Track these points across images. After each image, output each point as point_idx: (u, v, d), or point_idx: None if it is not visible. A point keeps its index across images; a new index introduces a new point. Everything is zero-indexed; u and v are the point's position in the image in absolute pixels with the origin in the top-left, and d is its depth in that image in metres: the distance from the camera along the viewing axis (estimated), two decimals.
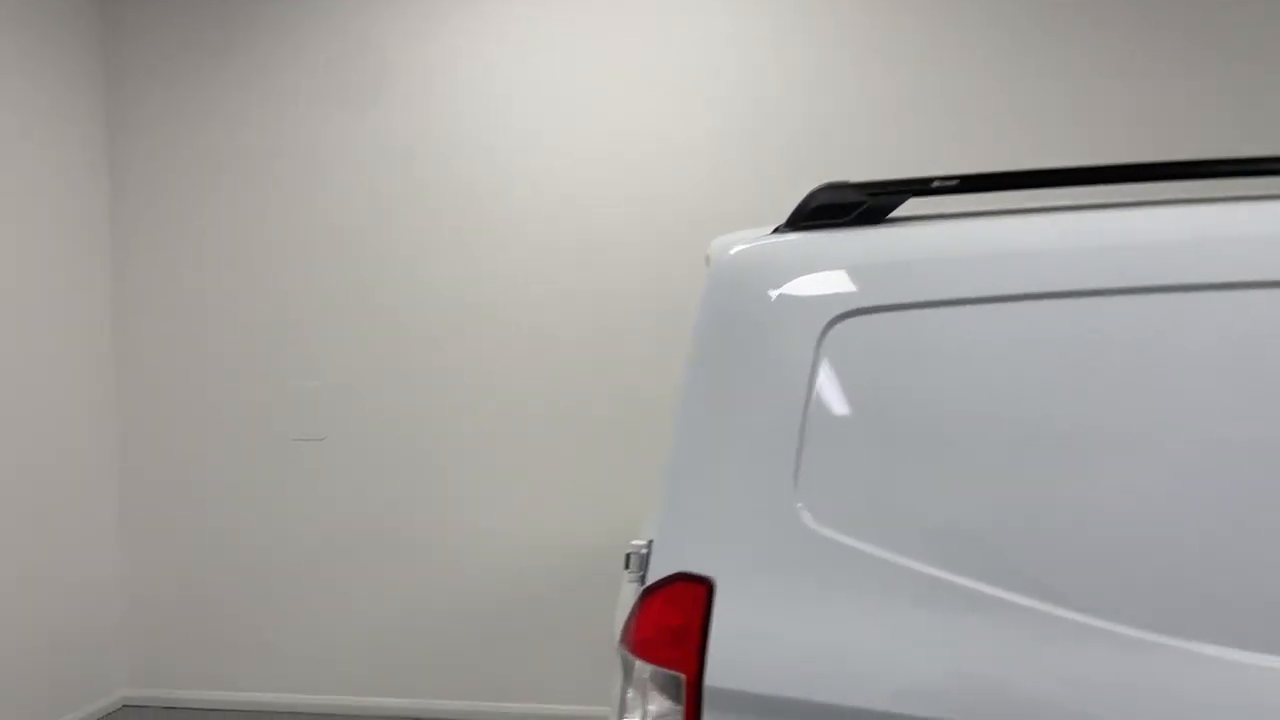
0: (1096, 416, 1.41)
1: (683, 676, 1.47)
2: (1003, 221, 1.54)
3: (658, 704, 1.49)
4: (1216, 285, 1.39)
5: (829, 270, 1.53)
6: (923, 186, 1.55)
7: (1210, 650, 1.31)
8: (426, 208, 4.10)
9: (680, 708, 1.47)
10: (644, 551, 1.56)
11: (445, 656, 4.13)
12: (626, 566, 1.69)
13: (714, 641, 1.46)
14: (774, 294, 1.54)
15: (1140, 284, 1.43)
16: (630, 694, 1.53)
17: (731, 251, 1.59)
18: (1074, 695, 1.34)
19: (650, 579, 1.53)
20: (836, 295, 1.51)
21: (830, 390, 1.50)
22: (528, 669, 4.09)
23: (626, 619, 1.56)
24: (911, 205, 1.57)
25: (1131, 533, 1.37)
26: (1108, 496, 1.39)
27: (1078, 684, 1.34)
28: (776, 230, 1.61)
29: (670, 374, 3.92)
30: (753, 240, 1.60)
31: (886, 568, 1.44)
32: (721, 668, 1.46)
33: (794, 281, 1.54)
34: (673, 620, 1.50)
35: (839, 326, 1.51)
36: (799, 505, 1.47)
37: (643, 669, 1.51)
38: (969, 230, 1.54)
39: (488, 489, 4.12)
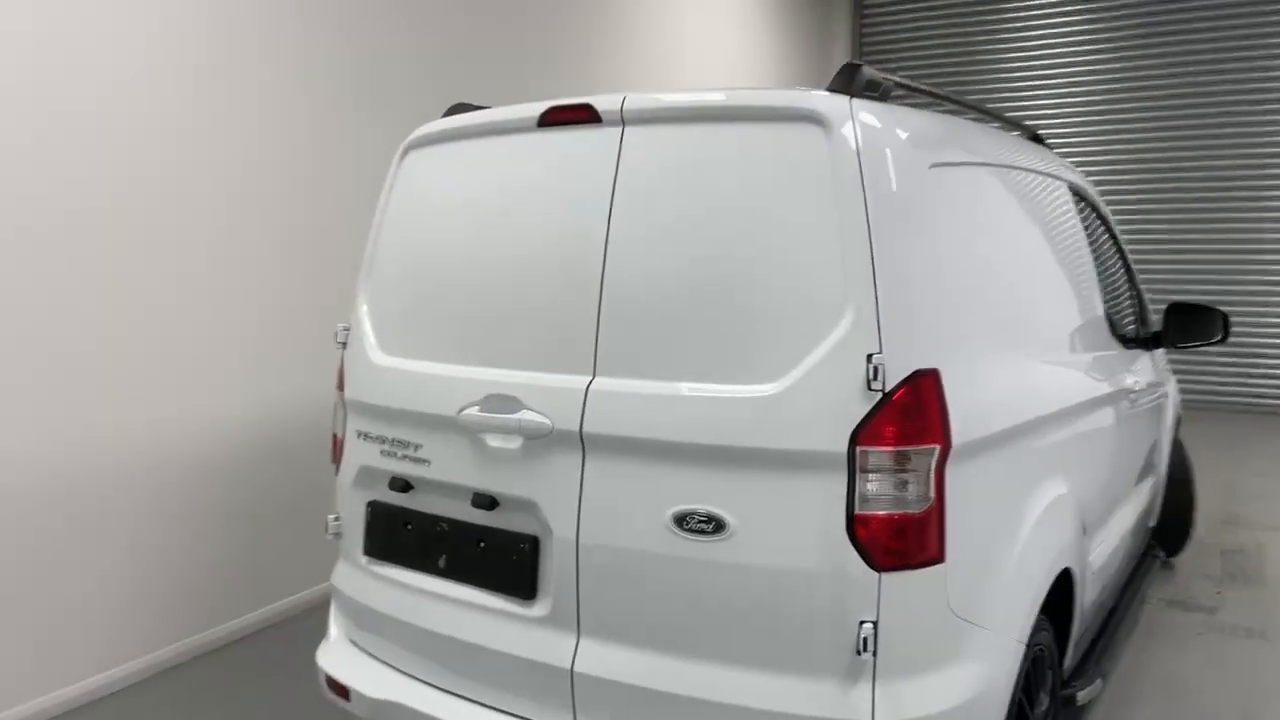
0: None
1: (936, 448, 1.97)
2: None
3: (904, 486, 1.94)
4: None
5: (928, 132, 2.26)
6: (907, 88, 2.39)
7: None
8: None
9: (928, 474, 1.96)
10: (880, 364, 1.92)
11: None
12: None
13: (952, 411, 2.01)
14: (925, 157, 2.19)
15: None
16: (869, 485, 1.93)
17: (873, 120, 2.06)
18: None
19: (890, 384, 1.93)
20: (937, 150, 2.27)
21: (952, 228, 2.27)
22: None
23: (860, 424, 1.91)
24: None
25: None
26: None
27: None
28: (843, 93, 2.08)
29: None
30: (874, 110, 2.09)
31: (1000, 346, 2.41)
32: (961, 429, 2.04)
33: (928, 145, 2.22)
34: (923, 405, 1.96)
35: (935, 171, 2.24)
36: (962, 309, 2.21)
37: (882, 458, 1.92)
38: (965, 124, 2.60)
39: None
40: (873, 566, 1.94)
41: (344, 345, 2.75)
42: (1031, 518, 2.39)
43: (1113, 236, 3.95)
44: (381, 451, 2.56)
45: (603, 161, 2.27)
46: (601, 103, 2.28)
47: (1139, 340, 3.93)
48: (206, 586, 3.90)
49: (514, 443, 2.28)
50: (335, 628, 2.78)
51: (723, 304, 2.08)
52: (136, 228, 3.55)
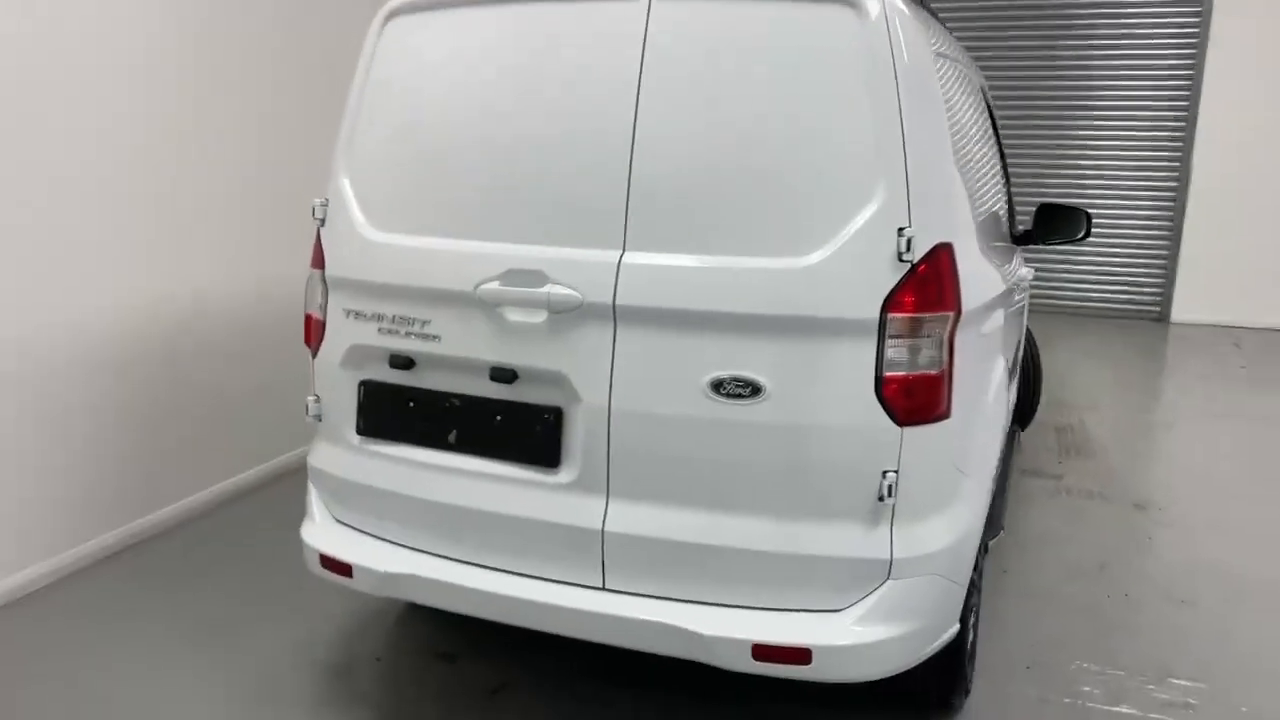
0: None
1: (951, 315, 2.18)
2: None
3: (925, 350, 2.14)
4: None
5: (925, 22, 2.41)
6: None
7: None
8: None
9: (944, 338, 2.16)
10: (911, 236, 2.09)
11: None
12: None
13: (962, 281, 2.24)
14: (929, 43, 2.34)
15: None
16: (896, 348, 2.12)
17: (897, 6, 2.17)
18: None
19: (917, 256, 2.11)
20: (933, 38, 2.45)
21: (946, 112, 2.40)
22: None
23: (891, 293, 2.10)
24: None
25: None
26: None
27: None
28: None
29: None
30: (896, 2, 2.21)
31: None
32: (967, 299, 2.25)
33: (929, 33, 2.38)
34: (942, 276, 2.16)
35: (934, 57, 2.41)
36: (954, 189, 2.39)
37: (908, 324, 2.12)
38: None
39: None
40: (896, 422, 2.15)
41: (322, 222, 2.66)
42: (994, 385, 2.69)
43: (998, 137, 4.32)
44: (379, 329, 2.53)
45: (628, 34, 2.28)
46: None
47: (1014, 237, 4.35)
48: (117, 484, 3.71)
49: (538, 316, 2.32)
50: (318, 508, 2.75)
51: (755, 179, 2.19)
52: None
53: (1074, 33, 9.80)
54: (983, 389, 2.57)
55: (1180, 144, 9.67)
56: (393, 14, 2.59)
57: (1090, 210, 4.19)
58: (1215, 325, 9.61)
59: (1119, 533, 4.18)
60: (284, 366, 4.55)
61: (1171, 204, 9.76)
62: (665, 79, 2.26)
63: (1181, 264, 9.75)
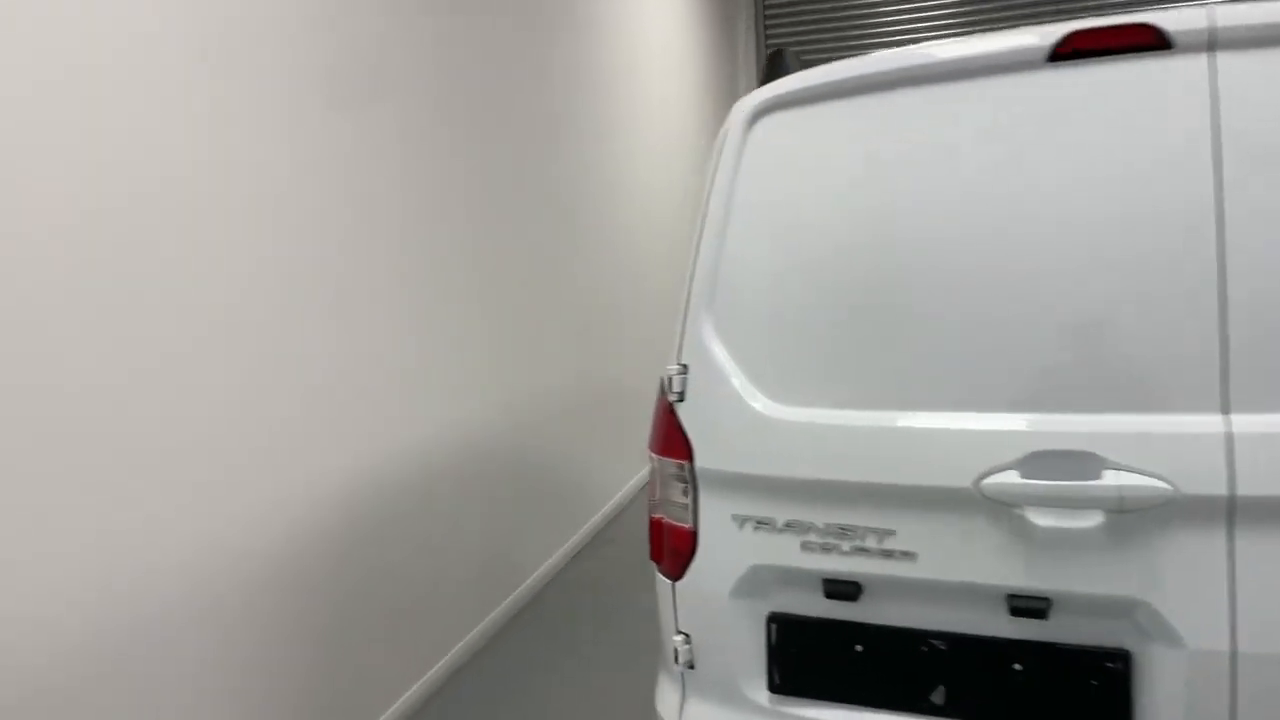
0: None
1: None
2: None
3: None
4: None
5: None
6: None
7: None
8: None
9: None
10: None
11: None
12: None
13: None
14: None
15: None
16: None
17: None
18: None
19: None
20: None
21: None
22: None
23: None
24: None
25: None
26: None
27: None
28: None
29: None
30: None
31: None
32: None
33: None
34: None
35: None
36: None
37: None
38: None
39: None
40: None
41: (680, 396, 1.93)
42: None
43: None
44: (803, 545, 1.78)
45: (1181, 103, 1.58)
46: (1171, 22, 1.60)
47: None
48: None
49: (1088, 519, 1.57)
50: None
51: None
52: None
53: None
54: None
55: None
56: (762, 110, 1.89)
57: None
58: None
59: None
60: (429, 553, 3.82)
61: None
62: (1259, 162, 1.54)
63: None
